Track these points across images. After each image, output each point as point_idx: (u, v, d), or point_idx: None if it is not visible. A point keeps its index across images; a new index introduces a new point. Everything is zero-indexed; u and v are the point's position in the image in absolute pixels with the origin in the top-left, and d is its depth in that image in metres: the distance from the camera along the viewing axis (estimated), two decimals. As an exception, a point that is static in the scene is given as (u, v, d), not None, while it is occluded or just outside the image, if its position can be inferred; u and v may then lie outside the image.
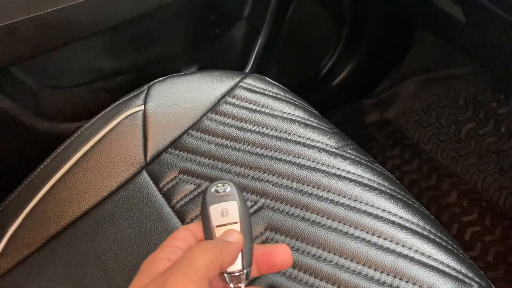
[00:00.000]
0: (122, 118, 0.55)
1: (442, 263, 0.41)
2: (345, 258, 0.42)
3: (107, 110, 0.56)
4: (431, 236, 0.43)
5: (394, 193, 0.47)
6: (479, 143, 0.96)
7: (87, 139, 0.54)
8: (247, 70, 0.82)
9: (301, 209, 0.47)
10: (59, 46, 0.57)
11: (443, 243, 0.43)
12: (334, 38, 0.97)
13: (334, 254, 0.43)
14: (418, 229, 0.43)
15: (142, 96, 0.57)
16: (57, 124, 0.66)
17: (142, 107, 0.56)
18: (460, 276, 0.39)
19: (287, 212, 0.47)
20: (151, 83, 0.58)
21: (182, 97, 0.57)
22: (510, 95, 0.94)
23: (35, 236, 0.50)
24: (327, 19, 0.93)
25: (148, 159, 0.54)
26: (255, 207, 0.48)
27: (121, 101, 0.57)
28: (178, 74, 0.60)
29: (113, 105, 0.57)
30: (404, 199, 0.47)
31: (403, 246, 0.42)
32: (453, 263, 0.41)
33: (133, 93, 0.58)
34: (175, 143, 0.55)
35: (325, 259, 0.43)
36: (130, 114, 0.55)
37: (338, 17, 0.94)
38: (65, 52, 0.63)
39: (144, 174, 0.53)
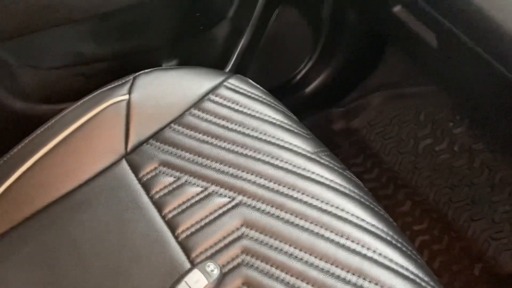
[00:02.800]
0: (106, 106, 0.55)
1: (402, 266, 0.45)
2: (315, 257, 0.45)
3: (91, 96, 0.56)
4: (393, 242, 0.47)
5: (362, 200, 0.51)
6: (434, 159, 1.03)
7: (69, 123, 0.54)
8: (228, 69, 0.83)
9: (277, 208, 0.49)
10: (45, 28, 0.56)
11: (404, 249, 0.47)
12: (310, 46, 1.00)
13: (305, 252, 0.46)
14: (383, 234, 0.47)
15: (127, 86, 0.57)
16: (33, 105, 0.65)
17: (126, 97, 0.57)
18: (418, 280, 0.44)
19: (263, 210, 0.49)
20: (137, 74, 0.59)
21: (167, 91, 0.59)
22: (465, 117, 1.01)
23: (8, 217, 0.50)
24: (306, 28, 0.96)
25: (128, 149, 0.55)
26: (233, 203, 0.50)
27: (105, 88, 0.57)
28: (164, 67, 0.61)
29: (98, 91, 0.57)
30: (371, 206, 0.50)
31: (368, 249, 0.46)
32: (411, 267, 0.45)
33: (118, 82, 0.58)
34: (157, 135, 0.56)
35: (296, 257, 0.46)
36: (114, 103, 0.56)
37: (317, 27, 0.98)
38: (49, 34, 0.62)
39: (124, 163, 0.54)
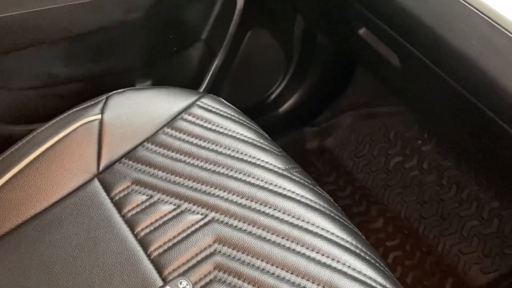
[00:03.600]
0: (78, 126, 0.56)
1: (370, 278, 0.46)
2: (286, 271, 0.46)
3: (63, 116, 0.56)
4: (362, 254, 0.48)
5: (332, 214, 0.52)
6: (404, 176, 1.06)
7: (40, 143, 0.54)
8: (201, 89, 0.85)
9: (249, 224, 0.50)
10: (17, 49, 0.57)
11: (372, 261, 0.48)
12: (283, 67, 1.03)
13: (277, 267, 0.47)
14: (352, 247, 0.49)
15: (100, 105, 0.58)
16: (5, 125, 0.65)
17: (99, 116, 0.57)
18: (385, 290, 0.45)
19: (236, 226, 0.50)
20: (110, 93, 0.60)
21: (139, 110, 0.59)
22: (432, 135, 1.05)
23: (-24, 239, 0.49)
24: (279, 49, 0.99)
25: (101, 168, 0.55)
26: (205, 220, 0.51)
27: (78, 108, 0.58)
28: (137, 87, 0.62)
29: (70, 111, 0.57)
30: (341, 220, 0.52)
31: (338, 261, 0.47)
32: (380, 279, 0.46)
33: (90, 101, 0.59)
34: (130, 154, 0.56)
35: (268, 271, 0.46)
36: (86, 122, 0.56)
37: (289, 48, 1.01)
38: (20, 54, 0.62)
39: (96, 182, 0.54)
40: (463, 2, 0.40)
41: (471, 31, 0.39)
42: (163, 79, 0.84)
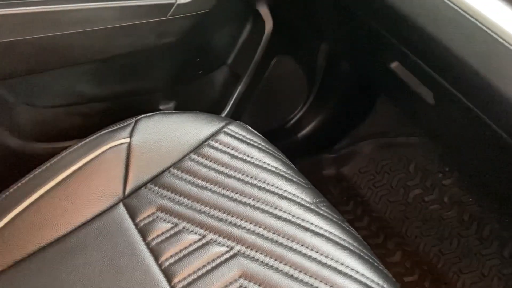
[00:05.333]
0: (107, 148, 0.55)
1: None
2: (315, 312, 0.45)
3: (91, 138, 0.56)
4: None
5: (362, 254, 0.50)
6: (424, 209, 1.04)
7: (68, 165, 0.53)
8: (224, 113, 0.84)
9: (276, 259, 0.49)
10: (47, 70, 0.57)
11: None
12: (305, 93, 1.03)
13: (305, 307, 0.45)
14: (382, 290, 0.47)
15: (129, 129, 0.58)
16: (31, 143, 0.65)
17: (127, 140, 0.56)
18: None
19: (262, 261, 0.48)
20: (139, 117, 0.59)
21: (167, 135, 0.59)
22: (454, 169, 1.03)
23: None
24: (301, 75, 0.99)
25: (126, 193, 0.54)
26: (231, 253, 0.49)
27: (107, 131, 0.57)
28: (165, 112, 0.62)
29: (99, 133, 0.57)
30: (370, 260, 0.50)
31: (368, 305, 0.45)
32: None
33: (119, 124, 0.58)
34: (156, 179, 0.55)
35: (295, 312, 0.45)
36: (115, 146, 0.56)
37: (311, 75, 1.00)
38: (49, 73, 0.63)
39: (121, 207, 0.53)
40: (506, 44, 0.40)
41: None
42: (187, 101, 0.84)
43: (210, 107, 0.86)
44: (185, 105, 0.85)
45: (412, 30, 0.49)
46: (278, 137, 1.07)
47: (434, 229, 1.00)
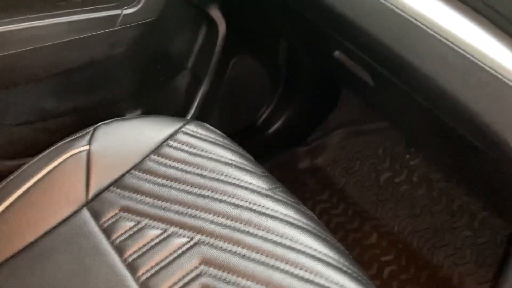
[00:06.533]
0: (66, 157, 0.58)
1: (353, 291, 0.47)
2: (271, 289, 0.47)
3: (51, 148, 0.58)
4: (345, 269, 0.50)
5: (315, 231, 0.53)
6: (395, 190, 1.07)
7: (30, 176, 0.55)
8: (189, 116, 0.87)
9: (234, 244, 0.51)
10: (7, 88, 0.59)
11: (354, 275, 0.49)
12: (270, 90, 1.06)
13: (261, 285, 0.48)
14: (334, 263, 0.50)
15: (87, 137, 0.60)
16: (-3, 161, 0.67)
17: (87, 147, 0.59)
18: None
19: (221, 247, 0.51)
20: (97, 125, 0.62)
21: (126, 139, 0.61)
22: (419, 149, 1.07)
23: (-32, 272, 0.50)
24: (264, 73, 1.02)
25: (89, 197, 0.56)
26: (191, 243, 0.52)
27: (66, 140, 0.60)
28: (123, 118, 0.64)
29: (58, 144, 0.59)
30: (323, 236, 0.53)
31: (321, 277, 0.48)
32: (362, 292, 0.47)
33: (78, 133, 0.61)
34: (117, 182, 0.58)
35: (253, 290, 0.47)
36: (74, 154, 0.58)
37: (274, 72, 1.04)
38: (10, 91, 0.65)
39: (85, 211, 0.55)
40: (418, 24, 0.43)
41: (428, 51, 0.42)
42: (152, 108, 0.87)
43: (176, 112, 0.89)
44: (151, 112, 0.87)
45: (348, 26, 0.52)
46: (249, 135, 1.10)
47: (406, 209, 1.04)
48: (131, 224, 0.54)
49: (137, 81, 0.81)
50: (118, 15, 0.61)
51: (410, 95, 0.52)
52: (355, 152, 1.16)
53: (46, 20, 0.58)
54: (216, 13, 0.82)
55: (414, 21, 0.44)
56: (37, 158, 0.58)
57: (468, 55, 0.40)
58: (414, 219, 1.02)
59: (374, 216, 1.05)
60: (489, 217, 0.97)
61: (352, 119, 1.18)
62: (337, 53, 0.65)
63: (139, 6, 0.61)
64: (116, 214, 0.55)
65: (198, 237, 0.52)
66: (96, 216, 0.55)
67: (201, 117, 0.89)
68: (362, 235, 1.03)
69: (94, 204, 0.56)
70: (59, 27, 0.59)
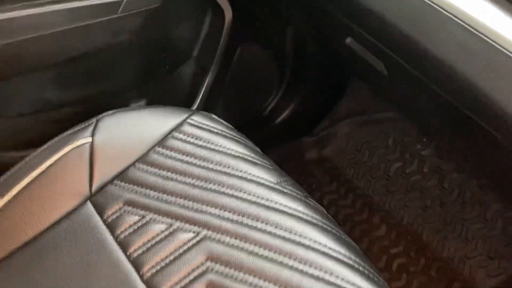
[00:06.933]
0: (69, 150, 0.56)
1: (364, 289, 0.45)
2: (279, 287, 0.46)
3: (53, 141, 0.57)
4: (356, 266, 0.48)
5: (324, 226, 0.52)
6: (405, 181, 1.05)
7: (31, 169, 0.54)
8: (195, 107, 0.85)
9: (241, 240, 0.50)
10: (12, 77, 0.58)
11: (366, 272, 0.48)
12: (277, 79, 1.04)
13: (269, 282, 0.46)
14: (345, 259, 0.48)
15: (90, 128, 0.58)
16: (1, 153, 0.66)
17: (89, 139, 0.57)
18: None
19: (227, 243, 0.50)
20: (100, 116, 0.60)
21: (130, 131, 0.60)
22: (431, 139, 1.05)
23: (-31, 267, 0.49)
24: (271, 62, 1.00)
25: (93, 190, 0.55)
26: (197, 238, 0.51)
27: (68, 133, 0.58)
28: (127, 108, 0.63)
29: (60, 136, 0.58)
30: (333, 231, 0.51)
31: (330, 274, 0.47)
32: (373, 289, 0.46)
33: (81, 125, 0.59)
34: (121, 175, 0.56)
35: (261, 287, 0.46)
36: (77, 146, 0.57)
37: (281, 61, 1.01)
38: (15, 82, 0.64)
39: (89, 205, 0.54)
40: (437, 7, 0.41)
41: (447, 37, 0.39)
42: (157, 98, 0.85)
43: (181, 102, 0.87)
44: (155, 102, 0.85)
45: (361, 11, 0.50)
46: (255, 125, 1.08)
47: (416, 200, 1.02)
48: (136, 218, 0.53)
49: (141, 70, 0.79)
50: (121, 1, 0.59)
51: (425, 83, 0.49)
52: (364, 142, 1.13)
53: (46, 7, 0.56)
54: (223, 0, 0.79)
55: (432, 4, 0.42)
56: (38, 150, 0.56)
57: (490, 41, 0.37)
58: (424, 210, 1.00)
59: (383, 208, 1.03)
60: (502, 209, 0.95)
61: (361, 108, 1.15)
62: (348, 40, 0.63)
63: (142, -8, 0.59)
64: (120, 208, 0.53)
65: (204, 232, 0.51)
66: (100, 210, 0.53)
67: (207, 107, 0.87)
68: (371, 227, 1.01)
69: (98, 198, 0.54)
70: (59, 14, 0.57)
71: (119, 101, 0.80)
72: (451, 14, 0.40)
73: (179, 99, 0.86)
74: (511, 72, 0.36)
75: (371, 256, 0.96)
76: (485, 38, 0.38)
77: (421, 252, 0.95)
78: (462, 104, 0.44)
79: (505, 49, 0.36)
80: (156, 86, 0.85)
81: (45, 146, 0.57)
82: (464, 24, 0.39)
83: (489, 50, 0.37)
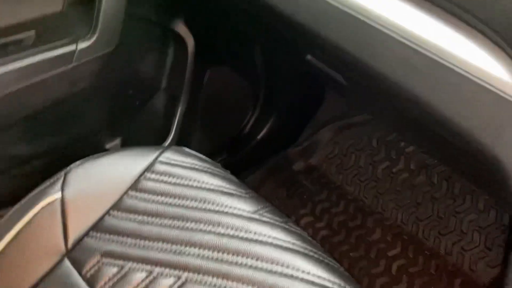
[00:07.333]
0: (39, 209, 0.55)
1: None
2: (266, 324, 0.45)
3: (22, 202, 0.56)
4: (342, 290, 0.47)
5: (306, 251, 0.51)
6: (394, 180, 1.04)
7: (2, 236, 0.53)
8: (170, 138, 0.84)
9: (222, 278, 0.49)
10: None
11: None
12: (251, 96, 1.03)
13: (256, 321, 0.45)
14: (329, 285, 0.47)
15: (59, 183, 0.57)
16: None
17: (59, 195, 0.56)
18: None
19: (210, 284, 0.49)
20: (68, 168, 0.59)
21: (100, 179, 0.59)
22: (407, 140, 1.04)
23: None
24: (242, 81, 0.99)
25: (69, 246, 0.54)
26: (179, 283, 0.49)
27: (36, 191, 0.57)
28: (95, 156, 0.62)
29: (29, 196, 0.56)
30: (315, 256, 0.50)
31: (317, 303, 0.46)
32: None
33: (48, 181, 0.58)
34: (97, 226, 0.55)
35: (247, 327, 0.45)
36: (48, 204, 0.55)
37: (253, 77, 1.01)
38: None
39: (66, 262, 0.53)
40: (374, 24, 0.40)
41: (389, 54, 0.39)
42: (132, 135, 0.84)
43: (156, 135, 0.86)
44: (130, 140, 0.85)
45: (307, 32, 0.49)
46: (237, 145, 1.07)
47: (407, 198, 1.01)
48: (115, 270, 0.51)
49: (110, 110, 0.79)
50: (73, 51, 0.58)
51: (377, 92, 0.49)
52: (349, 146, 1.13)
53: (1, 68, 0.55)
54: (182, 29, 0.79)
55: (368, 21, 0.41)
56: (6, 216, 0.55)
57: (431, 55, 0.37)
58: (416, 208, 0.99)
59: (376, 210, 1.02)
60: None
61: (341, 113, 1.15)
62: (308, 57, 0.62)
63: (94, 39, 0.58)
64: (98, 261, 0.52)
65: (185, 275, 0.50)
66: (78, 265, 0.52)
67: (182, 137, 0.86)
68: (366, 231, 1.00)
69: (74, 253, 0.53)
70: (15, 72, 0.57)
71: (93, 144, 0.80)
72: (389, 29, 0.40)
73: (154, 133, 0.86)
74: (445, 79, 0.36)
75: (369, 261, 0.95)
76: (425, 51, 0.37)
77: (419, 251, 0.94)
78: (409, 111, 0.43)
79: (445, 60, 0.36)
80: (129, 123, 0.84)
81: (14, 208, 0.55)
82: (403, 39, 0.39)
83: (430, 63, 0.37)
